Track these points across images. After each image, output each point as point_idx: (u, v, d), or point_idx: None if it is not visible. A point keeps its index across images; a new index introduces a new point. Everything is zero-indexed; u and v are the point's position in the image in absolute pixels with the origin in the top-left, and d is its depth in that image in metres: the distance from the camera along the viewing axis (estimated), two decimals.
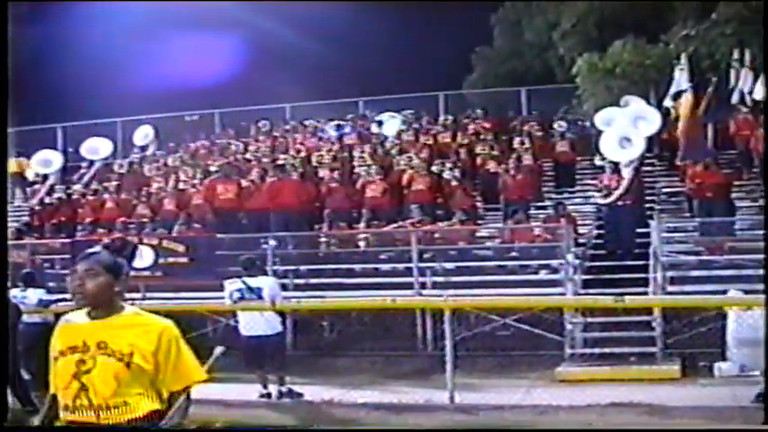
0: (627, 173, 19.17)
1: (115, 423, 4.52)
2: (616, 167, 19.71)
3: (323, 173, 23.32)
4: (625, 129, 20.09)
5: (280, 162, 23.84)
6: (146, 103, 30.40)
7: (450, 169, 22.03)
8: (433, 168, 22.33)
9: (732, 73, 22.37)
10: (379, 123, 28.02)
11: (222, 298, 13.99)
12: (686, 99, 21.24)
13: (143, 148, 29.73)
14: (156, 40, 33.77)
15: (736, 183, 20.89)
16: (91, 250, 4.78)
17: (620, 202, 19.04)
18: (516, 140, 24.38)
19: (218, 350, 5.29)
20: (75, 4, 33.30)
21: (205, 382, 4.82)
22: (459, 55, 35.78)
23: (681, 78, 22.01)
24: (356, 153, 24.95)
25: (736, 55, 22.46)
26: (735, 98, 22.06)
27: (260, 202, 21.29)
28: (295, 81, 33.16)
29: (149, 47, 34.26)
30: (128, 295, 4.85)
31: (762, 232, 15.89)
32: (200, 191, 22.67)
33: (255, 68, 33.79)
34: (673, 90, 22.45)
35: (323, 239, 20.40)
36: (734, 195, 20.25)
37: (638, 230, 18.85)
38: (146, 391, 4.61)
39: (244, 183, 22.28)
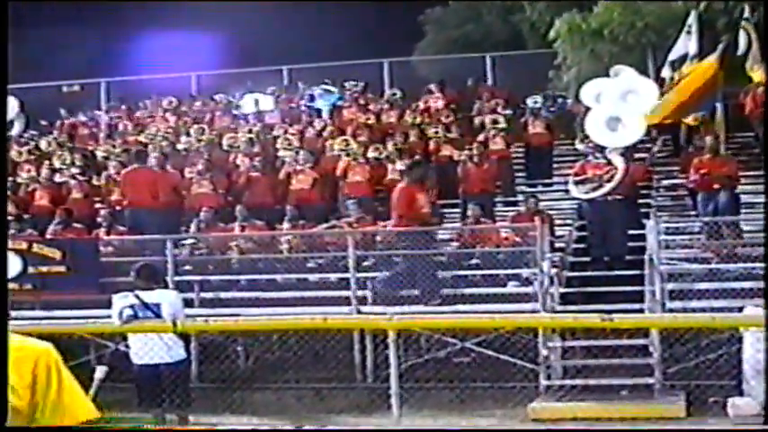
0: (617, 161, 19.00)
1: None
2: (603, 153, 19.58)
3: (238, 160, 23.11)
4: (613, 106, 19.95)
5: (181, 146, 23.63)
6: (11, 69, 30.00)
7: (399, 154, 22.01)
8: (373, 154, 22.22)
9: (742, 35, 22.17)
10: (311, 98, 27.90)
11: (109, 317, 13.69)
12: (694, 67, 21.12)
13: None
14: None
15: (751, 173, 20.88)
16: None
17: (608, 198, 18.90)
18: (487, 118, 24.28)
19: (100, 371, 5.06)
20: None
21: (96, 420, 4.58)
22: (408, 18, 35.78)
23: (687, 42, 21.88)
24: (279, 134, 24.74)
25: (747, 12, 22.33)
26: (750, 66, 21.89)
27: (142, 195, 20.58)
28: (202, 44, 32.92)
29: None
30: None
31: None
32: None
33: (153, 29, 33.55)
34: (672, 57, 22.35)
35: (236, 243, 20.16)
36: (749, 189, 20.26)
37: (631, 232, 18.80)
38: None
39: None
